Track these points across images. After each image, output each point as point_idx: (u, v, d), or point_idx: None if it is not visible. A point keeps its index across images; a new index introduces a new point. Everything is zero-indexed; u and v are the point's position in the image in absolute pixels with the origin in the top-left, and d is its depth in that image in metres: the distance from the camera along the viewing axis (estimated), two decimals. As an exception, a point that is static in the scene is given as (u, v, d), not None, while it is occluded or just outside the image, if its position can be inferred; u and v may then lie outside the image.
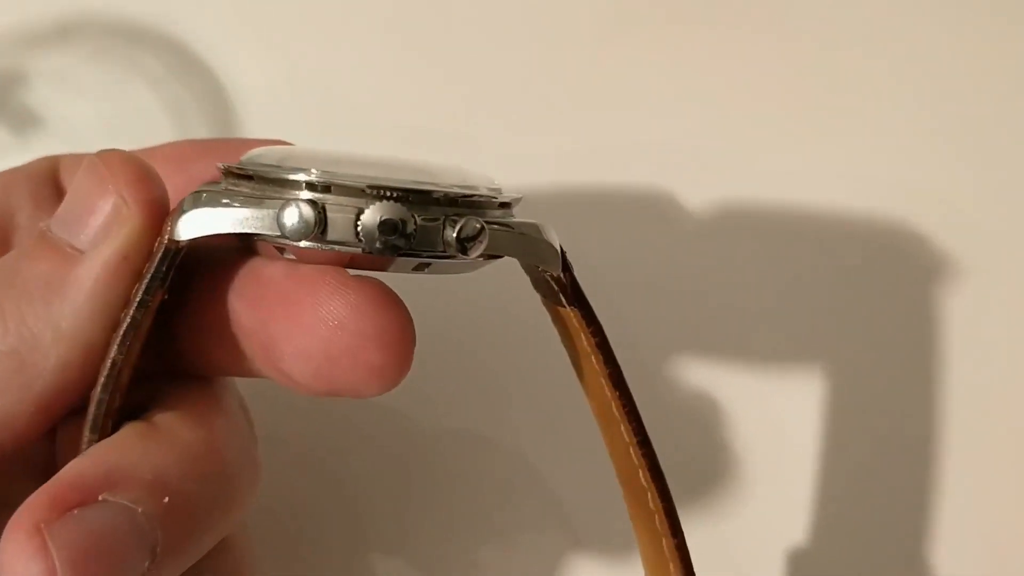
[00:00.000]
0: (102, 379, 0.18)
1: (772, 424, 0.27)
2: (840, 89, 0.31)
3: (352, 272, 0.17)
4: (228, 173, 0.17)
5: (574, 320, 0.17)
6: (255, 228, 0.16)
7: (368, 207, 0.15)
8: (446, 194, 0.16)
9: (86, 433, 0.18)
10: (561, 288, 0.17)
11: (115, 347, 0.17)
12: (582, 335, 0.18)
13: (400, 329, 0.16)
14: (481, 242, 0.16)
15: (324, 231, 0.15)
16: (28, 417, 0.17)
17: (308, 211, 0.15)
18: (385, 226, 0.15)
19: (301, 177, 0.16)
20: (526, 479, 0.27)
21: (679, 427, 0.27)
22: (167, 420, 0.18)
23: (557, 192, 0.29)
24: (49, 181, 0.22)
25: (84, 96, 0.31)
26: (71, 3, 0.31)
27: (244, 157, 0.17)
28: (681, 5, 0.32)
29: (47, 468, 0.20)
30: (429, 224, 0.15)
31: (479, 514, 0.27)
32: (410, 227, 0.15)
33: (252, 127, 0.31)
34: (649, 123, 0.31)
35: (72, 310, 0.17)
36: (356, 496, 0.27)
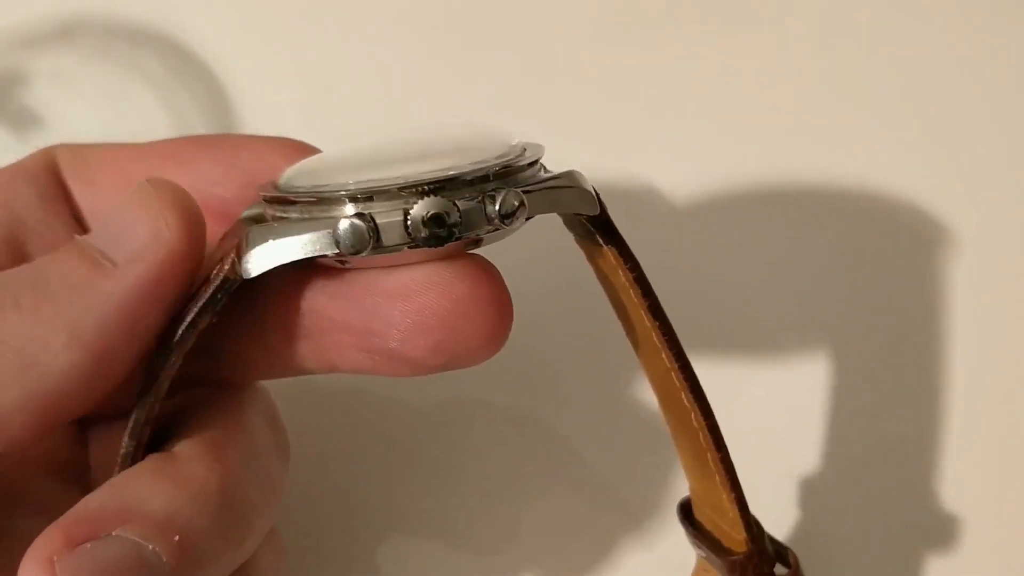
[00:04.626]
0: (146, 391, 0.18)
1: (773, 399, 0.27)
2: (840, 77, 0.31)
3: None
4: (271, 200, 0.18)
5: (610, 257, 0.18)
6: (316, 252, 0.16)
7: (412, 207, 0.16)
8: (479, 174, 0.17)
9: (125, 439, 0.18)
10: (596, 228, 0.18)
11: (161, 361, 0.18)
12: (619, 271, 0.18)
13: (507, 296, 0.17)
14: (523, 212, 0.17)
15: (379, 239, 0.16)
16: (25, 418, 0.17)
17: (360, 225, 0.16)
18: (432, 220, 0.16)
19: (343, 193, 0.16)
20: (514, 441, 0.27)
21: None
22: (186, 452, 0.18)
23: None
24: (52, 178, 0.21)
25: (84, 96, 0.31)
26: (71, 3, 0.31)
27: (281, 182, 0.18)
28: (681, 5, 0.32)
29: (73, 467, 0.21)
30: (471, 206, 0.16)
31: (474, 479, 0.27)
32: (454, 215, 0.16)
33: (252, 128, 0.30)
34: (649, 119, 0.31)
35: (94, 318, 0.17)
36: (344, 475, 0.27)
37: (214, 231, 0.20)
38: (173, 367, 0.18)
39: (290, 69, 0.32)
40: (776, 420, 0.27)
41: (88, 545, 0.16)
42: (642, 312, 0.18)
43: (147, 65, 0.31)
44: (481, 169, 0.17)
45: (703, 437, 0.19)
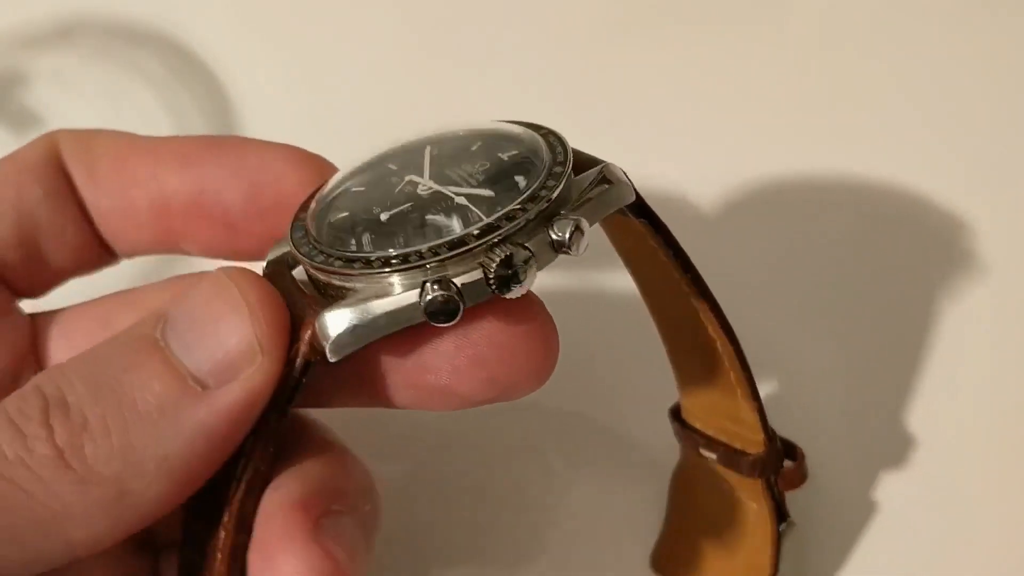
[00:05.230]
0: (245, 485, 0.17)
1: (773, 400, 0.27)
2: (840, 77, 0.31)
3: None
4: (323, 271, 0.17)
5: (638, 226, 0.19)
6: (403, 326, 0.16)
7: (490, 262, 0.16)
8: (536, 212, 0.16)
9: (231, 528, 0.17)
10: (629, 207, 0.18)
11: (259, 458, 0.17)
12: (647, 237, 0.19)
13: (554, 326, 0.17)
14: (582, 236, 0.17)
15: (463, 300, 0.16)
16: (110, 544, 0.17)
17: (445, 294, 0.16)
18: (514, 268, 0.16)
19: (408, 265, 0.16)
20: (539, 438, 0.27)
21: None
22: (310, 455, 0.19)
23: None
24: (56, 172, 0.21)
25: (84, 96, 0.31)
26: (71, 3, 0.31)
27: (321, 237, 0.17)
28: (681, 5, 0.32)
29: None
30: (540, 244, 0.16)
31: (496, 486, 0.27)
32: (524, 255, 0.16)
33: (252, 129, 0.30)
34: (649, 119, 0.31)
35: (182, 447, 0.16)
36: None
37: (218, 238, 0.20)
38: (269, 452, 0.17)
39: (290, 69, 0.32)
40: (777, 421, 0.27)
41: (326, 519, 0.17)
42: (672, 269, 0.19)
43: (147, 65, 0.31)
44: (534, 204, 0.16)
45: (728, 360, 0.21)
